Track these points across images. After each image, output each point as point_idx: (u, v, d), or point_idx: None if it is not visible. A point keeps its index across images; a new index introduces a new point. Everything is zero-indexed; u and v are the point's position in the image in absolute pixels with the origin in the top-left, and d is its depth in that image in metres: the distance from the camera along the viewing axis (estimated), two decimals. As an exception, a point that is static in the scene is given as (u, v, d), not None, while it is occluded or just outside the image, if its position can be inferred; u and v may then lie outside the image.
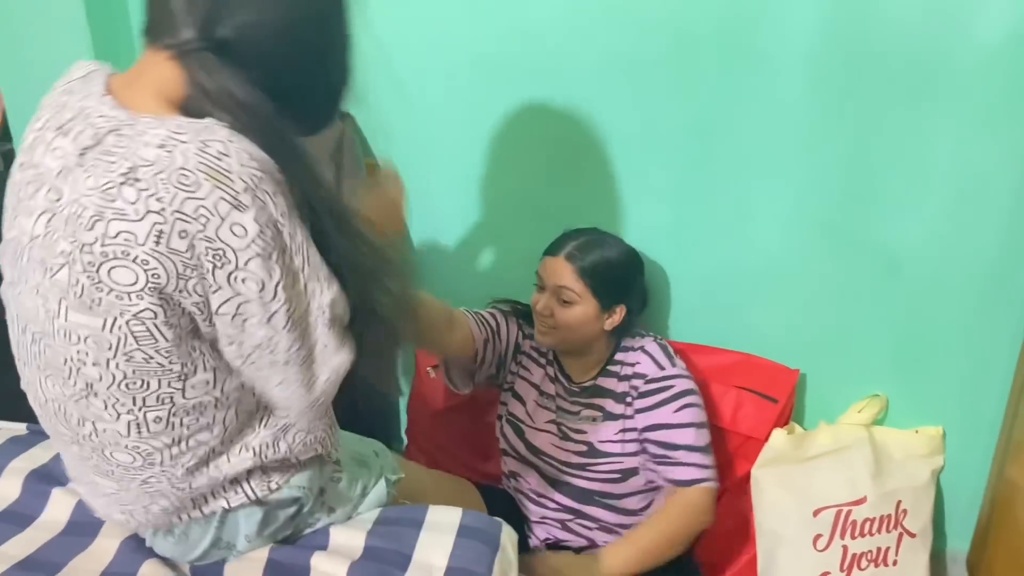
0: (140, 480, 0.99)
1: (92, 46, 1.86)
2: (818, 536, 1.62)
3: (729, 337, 1.72)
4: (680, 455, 1.49)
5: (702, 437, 1.51)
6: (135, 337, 0.87)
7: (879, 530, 1.62)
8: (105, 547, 1.13)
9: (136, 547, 1.13)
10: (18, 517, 1.19)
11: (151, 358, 0.89)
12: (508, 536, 1.17)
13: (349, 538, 1.12)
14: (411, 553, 1.09)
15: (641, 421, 1.53)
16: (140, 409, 0.93)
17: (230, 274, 0.85)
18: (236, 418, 0.99)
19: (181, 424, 0.96)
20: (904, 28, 1.42)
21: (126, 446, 0.96)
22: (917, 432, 1.67)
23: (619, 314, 1.55)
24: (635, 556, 1.48)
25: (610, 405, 1.57)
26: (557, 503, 1.62)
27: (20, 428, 1.37)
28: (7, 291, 1.00)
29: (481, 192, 1.80)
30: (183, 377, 0.92)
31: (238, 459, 1.02)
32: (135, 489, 1.01)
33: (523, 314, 1.68)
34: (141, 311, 0.85)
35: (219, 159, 0.82)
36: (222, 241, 0.83)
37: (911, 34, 1.41)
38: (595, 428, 1.57)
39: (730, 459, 1.72)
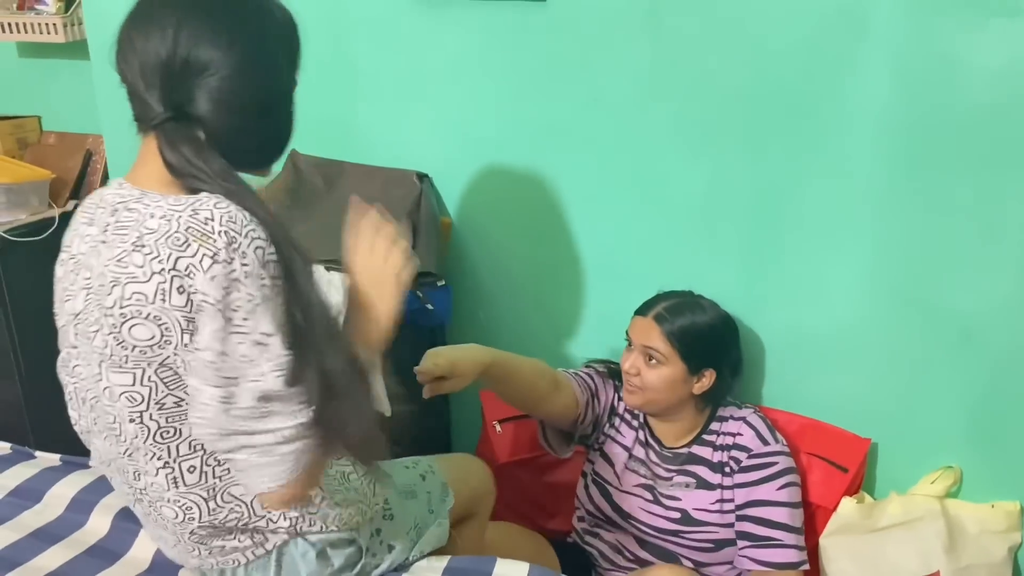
0: (189, 532, 1.06)
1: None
2: (889, 610, 1.58)
3: (798, 402, 1.71)
4: (779, 535, 1.49)
5: (798, 518, 1.51)
6: (164, 383, 0.97)
7: (953, 607, 1.57)
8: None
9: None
10: (106, 553, 1.24)
11: (181, 400, 0.97)
12: (574, 594, 1.18)
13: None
14: (480, 605, 1.11)
15: (740, 496, 1.53)
16: (175, 460, 1.01)
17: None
18: None
19: (214, 475, 1.03)
20: (975, 95, 1.43)
21: (168, 500, 1.03)
22: (993, 506, 1.62)
23: (708, 379, 1.55)
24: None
25: (706, 473, 1.57)
26: (639, 558, 1.62)
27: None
28: (63, 370, 1.11)
29: (554, 251, 1.85)
30: None
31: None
32: (189, 541, 1.08)
33: (617, 374, 1.67)
34: (165, 359, 0.95)
35: (205, 223, 0.93)
36: (203, 292, 0.92)
37: (982, 101, 1.43)
38: (689, 495, 1.57)
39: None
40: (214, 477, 1.03)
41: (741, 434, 1.56)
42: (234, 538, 1.07)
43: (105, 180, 2.30)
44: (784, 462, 1.53)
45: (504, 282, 1.94)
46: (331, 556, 1.12)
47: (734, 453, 1.55)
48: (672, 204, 1.71)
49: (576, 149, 1.75)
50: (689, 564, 1.58)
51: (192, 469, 1.02)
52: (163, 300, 0.92)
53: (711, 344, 1.57)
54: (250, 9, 1.07)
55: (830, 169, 1.56)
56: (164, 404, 0.98)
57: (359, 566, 1.15)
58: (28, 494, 1.37)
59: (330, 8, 1.88)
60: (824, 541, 1.64)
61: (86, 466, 1.44)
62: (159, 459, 1.01)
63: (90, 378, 1.03)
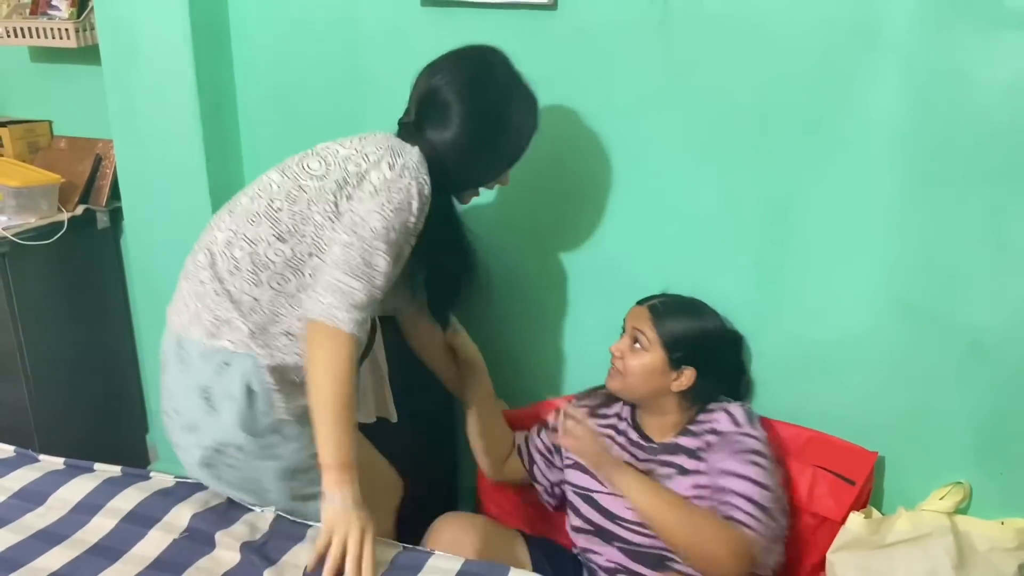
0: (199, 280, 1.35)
1: (200, 115, 1.98)
2: (897, 627, 1.57)
3: (807, 415, 1.70)
4: (738, 501, 1.46)
5: (764, 498, 1.47)
6: None
7: (962, 625, 1.55)
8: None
9: None
10: (109, 551, 1.24)
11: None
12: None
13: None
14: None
15: (711, 467, 1.52)
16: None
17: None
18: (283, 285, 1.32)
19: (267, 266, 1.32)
20: (987, 108, 1.43)
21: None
22: (1003, 523, 1.60)
23: (687, 378, 1.56)
24: (649, 494, 1.47)
25: (684, 461, 1.57)
26: (633, 572, 1.61)
27: (115, 470, 1.44)
28: None
29: (561, 259, 1.85)
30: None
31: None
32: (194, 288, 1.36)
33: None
34: None
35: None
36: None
37: (994, 114, 1.42)
38: (669, 484, 1.56)
39: (805, 541, 1.68)
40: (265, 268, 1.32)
41: (718, 420, 1.56)
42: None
43: (115, 185, 2.30)
44: (755, 444, 1.51)
45: (509, 290, 1.93)
46: (257, 401, 1.31)
47: (708, 437, 1.55)
48: (681, 214, 1.71)
49: (586, 158, 1.75)
50: (676, 567, 1.56)
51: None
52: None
53: (696, 343, 1.58)
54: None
55: (841, 181, 1.56)
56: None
57: (269, 427, 1.33)
58: (31, 496, 1.37)
59: (341, 16, 1.89)
60: (831, 556, 1.63)
61: (90, 470, 1.44)
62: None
63: None
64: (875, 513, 1.67)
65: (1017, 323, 1.51)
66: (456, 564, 1.21)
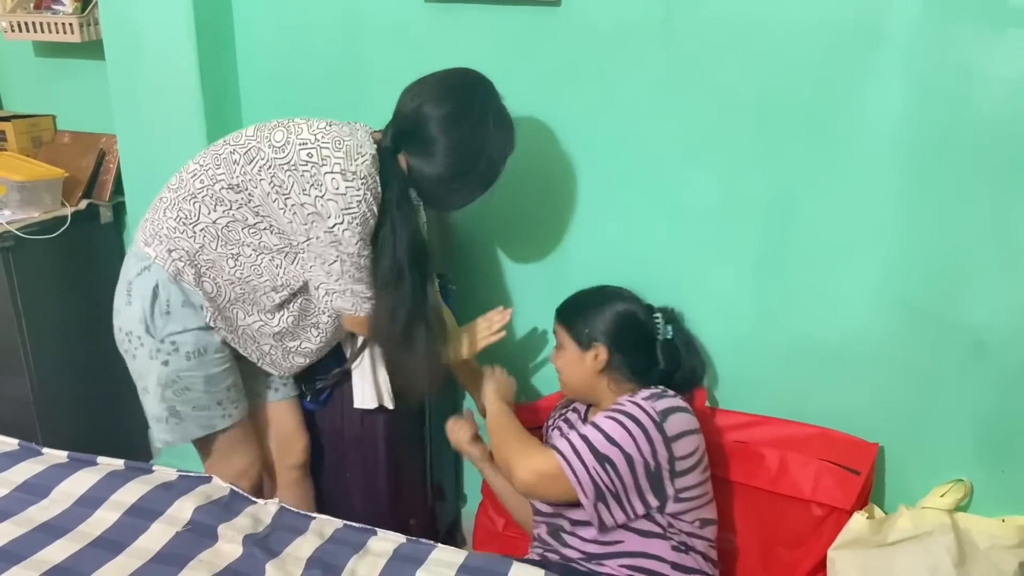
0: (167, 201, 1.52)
1: (203, 111, 1.98)
2: (897, 624, 1.57)
3: (809, 412, 1.71)
4: (571, 435, 1.48)
5: (598, 440, 1.44)
6: None
7: (962, 622, 1.56)
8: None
9: None
10: (112, 544, 1.24)
11: None
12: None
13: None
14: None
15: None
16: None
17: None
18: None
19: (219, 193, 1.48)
20: (990, 106, 1.43)
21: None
22: (1004, 521, 1.61)
23: (602, 353, 1.59)
24: (497, 415, 1.63)
25: None
26: (546, 543, 1.63)
27: (118, 464, 1.44)
28: None
29: (562, 256, 1.85)
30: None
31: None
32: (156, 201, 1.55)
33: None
34: None
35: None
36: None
37: (998, 111, 1.43)
38: None
39: (816, 532, 1.68)
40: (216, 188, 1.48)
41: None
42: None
43: (118, 180, 2.30)
44: (630, 407, 1.48)
45: (511, 287, 1.94)
46: (164, 300, 1.49)
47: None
48: (683, 211, 1.71)
49: (588, 154, 1.76)
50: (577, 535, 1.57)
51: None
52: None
53: (597, 320, 1.61)
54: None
55: (843, 180, 1.56)
56: None
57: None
58: (35, 490, 1.36)
59: (344, 11, 1.90)
60: (832, 554, 1.63)
61: (93, 463, 1.44)
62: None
63: None
64: (877, 511, 1.67)
65: (1019, 322, 1.51)
66: (459, 557, 1.22)
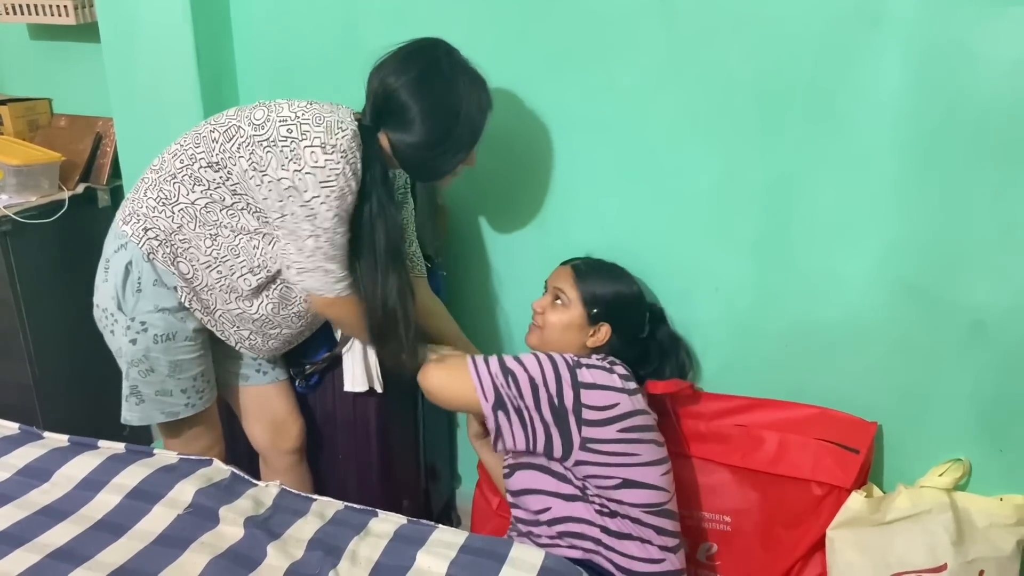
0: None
1: (200, 93, 1.97)
2: (895, 602, 1.58)
3: (809, 392, 1.71)
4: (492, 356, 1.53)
5: (510, 360, 1.49)
6: None
7: (960, 600, 1.57)
8: (193, 560, 1.18)
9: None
10: (114, 527, 1.25)
11: None
12: (586, 585, 1.19)
13: (432, 564, 1.15)
14: (491, 585, 1.11)
15: None
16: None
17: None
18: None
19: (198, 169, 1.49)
20: (992, 85, 1.42)
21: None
22: (1002, 500, 1.62)
23: (603, 334, 1.61)
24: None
25: None
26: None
27: (119, 447, 1.45)
28: None
29: (559, 239, 1.84)
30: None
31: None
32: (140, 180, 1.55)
33: None
34: None
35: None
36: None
37: (999, 91, 1.42)
38: None
39: (815, 511, 1.69)
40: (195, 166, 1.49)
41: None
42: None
43: (115, 163, 2.29)
44: (555, 354, 1.51)
45: (505, 271, 1.93)
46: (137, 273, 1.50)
47: None
48: (682, 193, 1.71)
49: (587, 136, 1.75)
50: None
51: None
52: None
53: (613, 302, 1.63)
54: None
55: (844, 160, 1.56)
56: None
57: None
58: (36, 473, 1.37)
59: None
60: (831, 533, 1.65)
61: (94, 447, 1.45)
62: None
63: None
64: (875, 491, 1.68)
65: (1018, 302, 1.51)
66: (460, 538, 1.22)
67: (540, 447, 1.47)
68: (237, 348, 1.65)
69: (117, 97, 2.06)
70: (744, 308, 1.73)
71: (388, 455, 1.89)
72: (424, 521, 1.29)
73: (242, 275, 1.52)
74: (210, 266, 1.51)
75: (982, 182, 1.48)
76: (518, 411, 1.46)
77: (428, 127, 1.46)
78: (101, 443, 1.46)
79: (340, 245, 1.45)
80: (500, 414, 1.46)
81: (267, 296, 1.56)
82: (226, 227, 1.49)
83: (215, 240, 1.50)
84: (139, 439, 1.55)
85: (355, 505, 1.33)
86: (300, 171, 1.38)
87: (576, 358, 1.51)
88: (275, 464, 1.82)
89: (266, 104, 1.46)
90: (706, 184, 1.68)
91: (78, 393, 2.35)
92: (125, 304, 1.51)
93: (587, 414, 1.46)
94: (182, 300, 1.53)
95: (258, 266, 1.51)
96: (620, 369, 1.53)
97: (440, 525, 1.26)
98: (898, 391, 1.66)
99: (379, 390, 1.76)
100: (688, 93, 1.64)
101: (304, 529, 1.25)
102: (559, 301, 1.63)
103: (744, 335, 1.75)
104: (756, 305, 1.71)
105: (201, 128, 1.50)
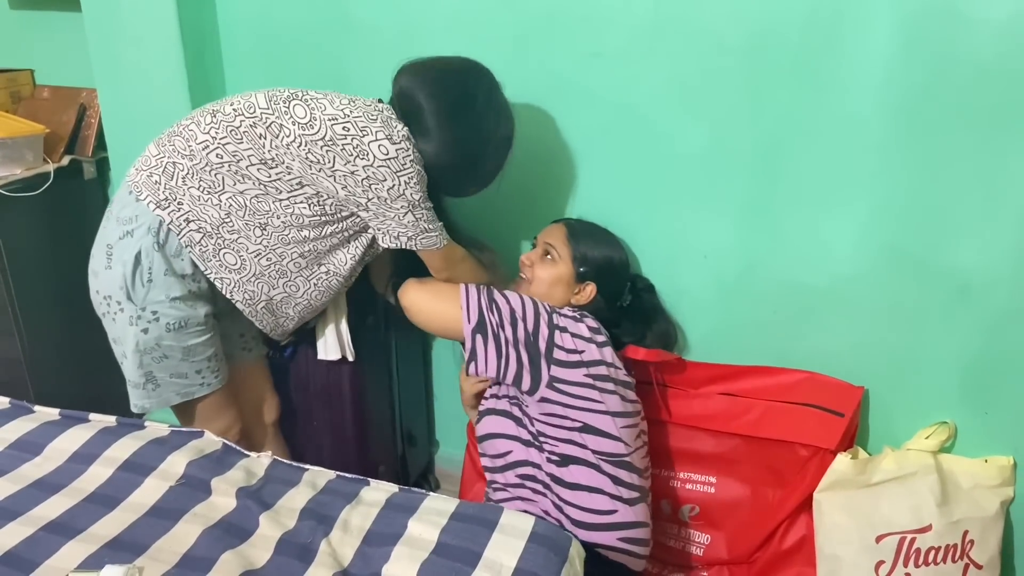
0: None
1: (184, 62, 1.95)
2: (880, 563, 1.61)
3: (794, 356, 1.72)
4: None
5: (496, 294, 1.56)
6: None
7: (944, 560, 1.59)
8: (186, 531, 1.19)
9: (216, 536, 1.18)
10: (107, 499, 1.26)
11: None
12: (577, 550, 1.20)
13: (424, 531, 1.16)
14: (482, 551, 1.13)
15: None
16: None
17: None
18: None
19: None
20: (978, 49, 1.42)
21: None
22: (986, 461, 1.64)
23: (588, 293, 1.64)
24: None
25: None
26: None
27: (110, 420, 1.45)
28: None
29: (548, 207, 1.84)
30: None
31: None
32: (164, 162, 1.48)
33: None
34: None
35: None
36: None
37: (986, 55, 1.42)
38: None
39: (800, 473, 1.72)
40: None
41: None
42: None
43: (100, 134, 2.27)
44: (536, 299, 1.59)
45: (492, 237, 1.93)
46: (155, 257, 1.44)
47: None
48: (670, 158, 1.70)
49: (573, 101, 1.74)
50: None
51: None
52: None
53: (603, 264, 1.66)
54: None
55: (830, 124, 1.55)
56: None
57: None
58: (28, 447, 1.38)
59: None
60: (819, 496, 1.67)
61: (85, 420, 1.45)
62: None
63: None
64: (861, 453, 1.70)
65: (1004, 266, 1.52)
66: (451, 505, 1.24)
67: (510, 377, 1.53)
68: (263, 330, 1.64)
69: (100, 67, 2.03)
70: (732, 274, 1.73)
71: (362, 421, 1.91)
72: (416, 489, 1.30)
73: (292, 260, 1.51)
74: (260, 254, 1.49)
75: (968, 146, 1.48)
76: (496, 338, 1.52)
77: (448, 157, 1.48)
78: (92, 416, 1.46)
79: (430, 207, 1.49)
80: (478, 337, 1.52)
81: (313, 278, 1.55)
82: (276, 216, 1.46)
83: (264, 229, 1.47)
84: (130, 412, 1.55)
85: (347, 474, 1.34)
86: (371, 165, 1.39)
87: (553, 305, 1.58)
88: (255, 438, 1.83)
89: (300, 98, 1.43)
90: (694, 150, 1.67)
91: (68, 367, 2.35)
92: (135, 294, 1.47)
93: (557, 354, 1.52)
94: (196, 288, 1.50)
95: (309, 251, 1.51)
96: (589, 321, 1.58)
97: (431, 493, 1.28)
98: (885, 355, 1.67)
99: (351, 359, 1.78)
100: (675, 58, 1.62)
101: (296, 499, 1.26)
102: (549, 256, 1.65)
103: (732, 301, 1.76)
104: (744, 271, 1.72)
105: (231, 119, 1.44)
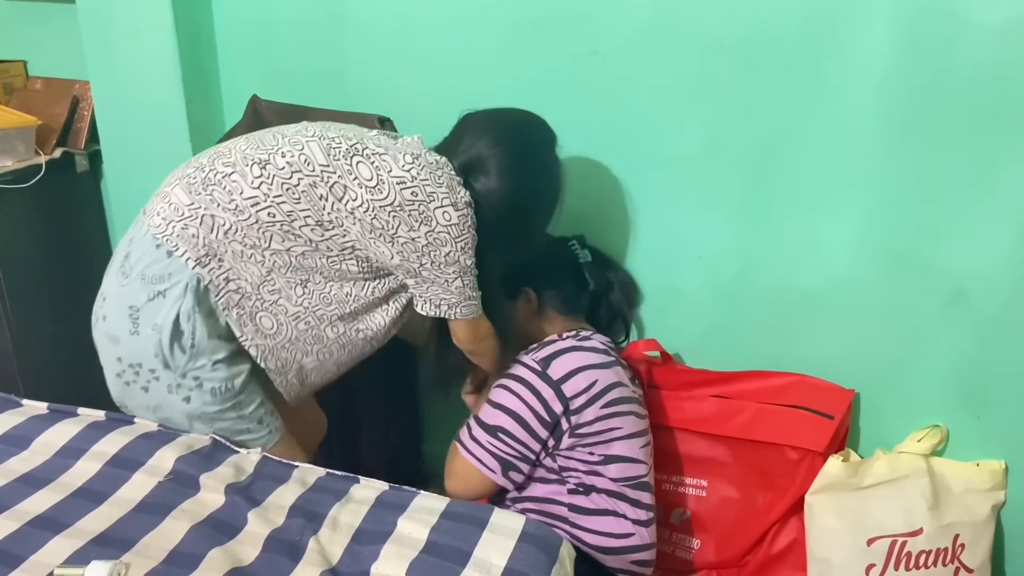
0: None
1: (178, 55, 1.94)
2: (871, 566, 1.61)
3: (788, 358, 1.72)
4: (470, 421, 1.56)
5: (489, 415, 1.52)
6: None
7: (935, 563, 1.59)
8: (174, 527, 1.17)
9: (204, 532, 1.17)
10: (94, 494, 1.24)
11: None
12: (567, 551, 1.20)
13: (414, 530, 1.16)
14: (472, 551, 1.12)
15: None
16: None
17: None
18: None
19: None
20: (977, 53, 1.41)
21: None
22: (978, 465, 1.64)
23: (531, 298, 1.62)
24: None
25: None
26: None
27: (99, 415, 1.44)
28: None
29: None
30: None
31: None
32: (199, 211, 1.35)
33: None
34: None
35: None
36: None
37: (984, 59, 1.41)
38: None
39: (790, 475, 1.71)
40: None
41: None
42: None
43: (93, 127, 2.26)
44: (518, 369, 1.54)
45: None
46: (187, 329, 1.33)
47: None
48: (665, 158, 1.70)
49: (571, 101, 1.73)
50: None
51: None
52: None
53: (518, 266, 1.60)
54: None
55: (827, 125, 1.55)
56: None
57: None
58: (15, 441, 1.36)
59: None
60: (810, 498, 1.66)
61: (74, 414, 1.44)
62: None
63: None
64: (853, 456, 1.70)
65: (999, 270, 1.52)
66: (441, 504, 1.23)
67: (542, 457, 1.52)
68: (289, 401, 1.54)
69: (93, 59, 2.03)
70: (726, 275, 1.73)
71: (354, 419, 1.90)
72: (406, 487, 1.29)
73: (331, 323, 1.43)
74: (299, 316, 1.41)
75: (965, 150, 1.47)
76: (523, 458, 1.50)
77: (509, 203, 1.42)
78: (81, 411, 1.45)
79: (475, 274, 1.43)
80: (513, 473, 1.51)
81: (349, 344, 1.48)
82: (320, 272, 1.39)
83: (306, 287, 1.39)
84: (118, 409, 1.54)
85: (336, 472, 1.33)
86: (432, 231, 1.33)
87: (535, 360, 1.52)
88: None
89: (363, 154, 1.34)
90: (689, 150, 1.67)
91: (58, 360, 2.33)
92: (173, 362, 1.34)
93: (574, 403, 1.48)
94: (237, 346, 1.40)
95: (349, 313, 1.43)
96: (594, 343, 1.54)
97: (422, 491, 1.27)
98: (878, 357, 1.67)
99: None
100: (672, 57, 1.62)
101: (285, 496, 1.25)
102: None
103: (726, 302, 1.75)
104: (738, 272, 1.72)
105: (282, 173, 1.33)
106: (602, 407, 1.49)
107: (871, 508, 1.62)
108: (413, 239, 1.34)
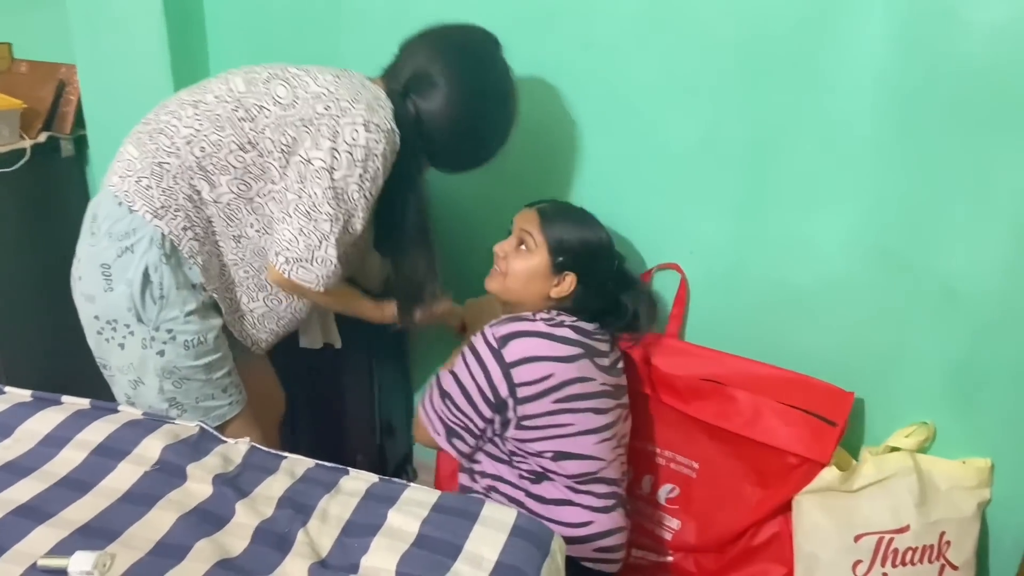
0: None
1: (167, 40, 1.91)
2: (858, 562, 1.61)
3: (783, 355, 1.71)
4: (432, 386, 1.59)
5: (446, 382, 1.53)
6: None
7: (921, 560, 1.60)
8: (160, 518, 1.16)
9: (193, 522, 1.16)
10: (79, 484, 1.22)
11: None
12: (558, 544, 1.19)
13: (404, 523, 1.15)
14: (463, 544, 1.11)
15: None
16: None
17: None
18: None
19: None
20: (970, 59, 1.42)
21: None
22: (964, 463, 1.65)
23: (568, 284, 1.53)
24: None
25: None
26: None
27: (84, 403, 1.42)
28: None
29: (529, 194, 1.82)
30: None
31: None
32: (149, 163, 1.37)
33: None
34: None
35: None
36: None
37: (980, 58, 1.41)
38: None
39: (786, 478, 1.69)
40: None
41: None
42: None
43: (79, 111, 2.23)
44: (475, 339, 1.51)
45: (481, 231, 1.91)
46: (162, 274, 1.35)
47: None
48: (660, 153, 1.70)
49: (563, 94, 1.72)
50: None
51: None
52: None
53: (580, 250, 1.54)
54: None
55: (823, 123, 1.55)
56: None
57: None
58: (-2, 428, 1.34)
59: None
60: (798, 496, 1.66)
61: (58, 402, 1.42)
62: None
63: None
64: (845, 456, 1.70)
65: (991, 270, 1.52)
66: (432, 497, 1.22)
67: (488, 435, 1.53)
68: (250, 348, 1.58)
69: (80, 42, 2.00)
70: (719, 270, 1.72)
71: (341, 410, 1.89)
72: (396, 480, 1.28)
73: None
74: (237, 264, 1.44)
75: (959, 149, 1.48)
76: (466, 429, 1.52)
77: (455, 113, 1.41)
78: (65, 399, 1.43)
79: (352, 233, 1.38)
80: (456, 440, 1.54)
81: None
82: (251, 226, 1.41)
83: (239, 242, 1.42)
84: (104, 396, 1.52)
85: (326, 463, 1.32)
86: (336, 149, 1.31)
87: (495, 335, 1.47)
88: (269, 442, 1.77)
89: (281, 77, 1.37)
90: (684, 145, 1.66)
91: (42, 347, 2.30)
92: (145, 315, 1.38)
93: (521, 392, 1.46)
94: (207, 298, 1.43)
95: None
96: (566, 332, 1.49)
97: (412, 484, 1.26)
98: (868, 355, 1.68)
99: (337, 346, 1.76)
100: (667, 52, 1.61)
101: (273, 487, 1.24)
102: (524, 246, 1.55)
103: (718, 297, 1.75)
104: (732, 267, 1.71)
105: (214, 106, 1.37)
106: (554, 401, 1.46)
107: (859, 505, 1.63)
108: (310, 159, 1.33)
